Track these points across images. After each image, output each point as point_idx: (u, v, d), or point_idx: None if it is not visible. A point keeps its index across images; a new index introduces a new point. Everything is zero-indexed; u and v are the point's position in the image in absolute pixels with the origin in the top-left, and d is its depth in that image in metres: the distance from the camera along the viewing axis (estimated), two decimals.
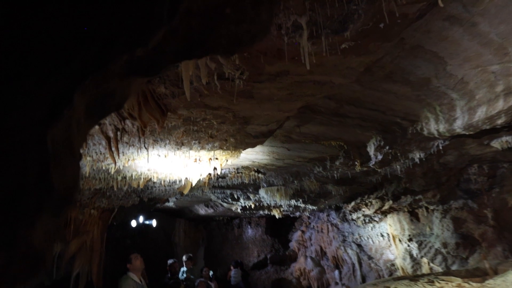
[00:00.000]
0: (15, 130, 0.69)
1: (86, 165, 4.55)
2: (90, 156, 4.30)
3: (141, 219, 12.99)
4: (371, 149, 5.39)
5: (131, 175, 5.58)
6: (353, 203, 9.67)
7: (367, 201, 9.23)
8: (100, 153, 4.24)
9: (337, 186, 8.15)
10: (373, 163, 5.90)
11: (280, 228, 14.85)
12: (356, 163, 6.14)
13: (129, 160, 4.51)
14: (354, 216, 10.28)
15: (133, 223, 12.65)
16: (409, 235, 8.87)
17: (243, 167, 7.07)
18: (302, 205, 10.10)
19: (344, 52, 2.56)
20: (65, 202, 0.84)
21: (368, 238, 10.49)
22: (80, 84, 0.79)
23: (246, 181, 7.75)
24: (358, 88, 3.64)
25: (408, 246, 8.98)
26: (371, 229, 10.29)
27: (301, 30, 2.24)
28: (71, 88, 0.77)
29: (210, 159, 4.99)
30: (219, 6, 0.96)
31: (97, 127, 3.67)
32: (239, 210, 11.41)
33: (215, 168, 5.64)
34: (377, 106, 4.11)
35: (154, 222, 13.74)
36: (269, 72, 2.77)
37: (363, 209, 9.62)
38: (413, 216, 8.96)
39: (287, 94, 3.20)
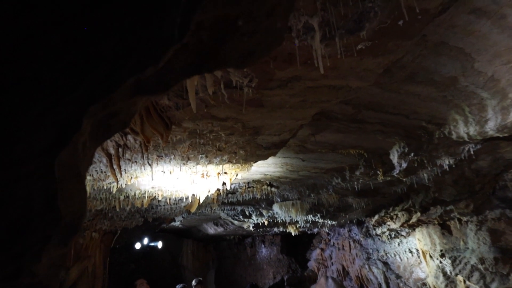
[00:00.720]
0: (21, 161, 0.70)
1: (87, 185, 4.60)
2: (90, 175, 4.35)
3: (145, 241, 13.05)
4: (394, 157, 5.34)
5: (134, 194, 5.62)
6: (376, 217, 9.56)
7: (392, 214, 9.11)
8: (101, 172, 4.29)
9: (358, 198, 8.07)
10: (397, 171, 5.83)
11: (297, 247, 14.72)
12: (378, 172, 6.09)
13: (131, 178, 4.55)
14: (379, 231, 10.14)
15: (137, 246, 12.70)
16: (441, 251, 8.69)
17: (254, 181, 7.07)
18: (321, 221, 10.04)
19: (361, 53, 2.56)
20: (73, 231, 0.85)
21: (395, 255, 10.32)
22: (88, 109, 0.80)
23: (258, 196, 7.74)
24: (378, 91, 3.62)
25: (441, 262, 8.79)
26: (398, 244, 10.13)
27: (313, 31, 2.25)
28: (80, 114, 0.79)
29: (219, 173, 5.00)
30: (231, 18, 0.97)
31: None
32: (251, 228, 11.38)
33: (224, 183, 5.65)
34: (399, 109, 4.09)
35: (159, 244, 13.78)
36: (280, 78, 2.78)
37: (388, 223, 9.49)
38: (445, 229, 8.79)
39: (300, 101, 3.20)
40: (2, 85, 0.67)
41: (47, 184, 0.74)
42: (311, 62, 2.55)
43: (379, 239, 10.63)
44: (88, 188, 4.64)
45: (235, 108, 3.13)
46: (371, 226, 10.28)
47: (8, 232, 0.69)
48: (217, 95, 2.86)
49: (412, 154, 5.15)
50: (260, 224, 10.66)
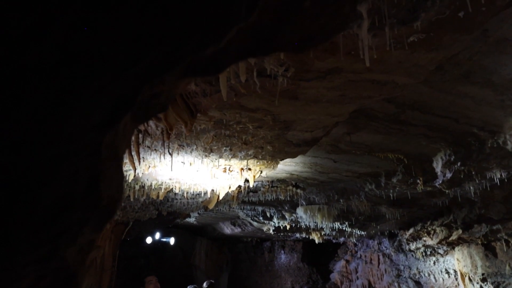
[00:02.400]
0: (71, 137, 0.72)
1: None
2: None
3: (157, 235, 13.27)
4: (438, 165, 5.24)
5: (151, 184, 5.73)
6: (411, 230, 9.41)
7: (429, 229, 8.95)
8: None
9: (392, 208, 7.95)
10: (440, 182, 5.71)
11: (319, 256, 14.65)
12: (418, 181, 5.98)
13: (149, 166, 4.64)
14: (413, 246, 9.98)
15: (148, 240, 12.93)
16: (483, 274, 8.46)
17: (279, 181, 7.07)
18: (348, 229, 9.95)
19: (412, 46, 2.50)
20: (109, 215, 0.87)
21: (429, 274, 10.13)
22: (142, 88, 0.82)
23: (282, 197, 7.73)
24: (426, 90, 3.55)
25: (481, 287, 8.56)
26: (434, 263, 9.94)
27: (361, 19, 2.22)
28: (135, 92, 0.80)
29: (242, 169, 5.02)
30: None
31: None
32: (271, 231, 11.40)
33: (246, 180, 5.68)
34: (448, 112, 3.99)
35: (171, 240, 14.00)
36: (319, 69, 2.76)
37: (424, 239, 9.32)
38: (489, 250, 8.56)
39: (339, 95, 3.17)
40: (65, 57, 0.69)
41: (93, 163, 0.76)
42: (355, 53, 2.51)
43: (412, 255, 10.46)
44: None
45: (267, 99, 3.13)
46: (405, 240, 10.13)
47: (49, 212, 0.71)
48: (249, 84, 2.87)
49: (458, 164, 5.04)
50: (282, 227, 10.66)
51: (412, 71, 2.87)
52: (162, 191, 5.92)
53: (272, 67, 2.68)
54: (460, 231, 8.23)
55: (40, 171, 0.68)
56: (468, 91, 3.54)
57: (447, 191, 6.25)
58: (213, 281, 7.95)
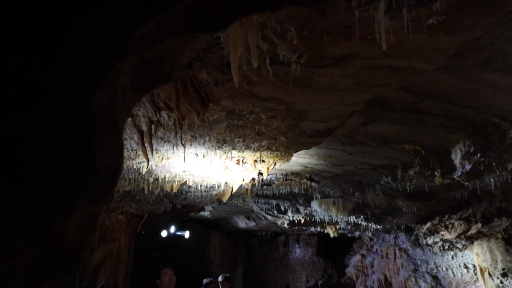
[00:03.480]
0: (60, 87, 0.67)
1: None
2: None
3: (172, 229, 13.39)
4: (456, 157, 5.12)
5: (164, 177, 5.74)
6: (429, 224, 9.28)
7: (447, 223, 8.82)
8: (131, 150, 4.40)
9: (409, 201, 7.83)
10: (459, 174, 5.58)
11: (334, 250, 14.57)
12: (436, 173, 5.87)
13: (162, 158, 4.63)
14: (430, 240, 9.85)
15: (163, 233, 13.07)
16: (503, 269, 8.30)
17: (293, 173, 7.01)
18: (364, 223, 9.86)
19: (431, 29, 2.40)
20: (107, 188, 0.83)
21: (447, 269, 9.98)
22: (135, 35, 0.76)
23: (296, 191, 7.68)
24: (445, 77, 3.44)
25: (502, 283, 8.40)
26: (452, 258, 9.80)
27: (377, 1, 2.14)
28: (128, 35, 0.75)
29: (255, 161, 4.98)
30: None
31: (129, 119, 3.80)
32: (285, 225, 11.37)
33: (260, 173, 5.64)
34: (468, 101, 3.88)
35: (186, 234, 14.10)
36: (333, 55, 2.68)
37: (442, 233, 9.19)
38: (510, 244, 8.39)
39: (354, 83, 3.09)
40: None
41: (85, 121, 0.71)
42: (372, 37, 2.43)
43: (429, 249, 10.33)
44: None
45: (280, 87, 3.07)
46: (422, 234, 10.01)
47: (38, 178, 0.67)
48: (261, 71, 2.81)
49: (478, 155, 4.91)
50: (296, 221, 10.62)
51: (430, 56, 2.77)
52: (176, 183, 5.93)
53: (285, 53, 2.61)
54: (479, 225, 8.10)
55: (24, 130, 0.64)
56: (489, 78, 3.42)
57: (466, 183, 6.11)
58: (228, 275, 7.97)
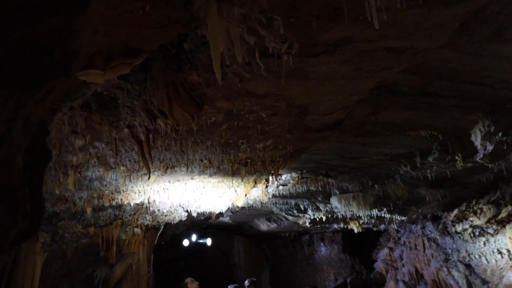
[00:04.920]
0: None
1: (121, 176, 4.68)
2: (123, 165, 4.40)
3: (193, 237, 13.40)
4: (477, 138, 4.89)
5: (174, 185, 5.65)
6: (456, 211, 9.02)
7: (475, 208, 8.54)
8: (134, 161, 4.32)
9: (432, 189, 7.60)
10: (481, 156, 5.33)
11: (361, 245, 14.34)
12: (456, 157, 5.65)
13: (167, 167, 4.54)
14: (459, 228, 9.55)
15: (185, 243, 13.09)
16: None
17: (308, 171, 6.86)
18: (387, 216, 9.66)
19: (428, 2, 2.22)
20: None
21: (480, 256, 9.65)
22: None
23: (313, 188, 7.53)
24: (453, 54, 3.23)
25: None
26: (484, 244, 9.47)
27: None
28: None
29: (264, 161, 4.84)
30: None
31: (126, 130, 3.72)
32: (307, 224, 11.25)
33: (271, 173, 5.50)
34: (481, 78, 3.65)
35: (208, 241, 14.10)
36: (326, 42, 2.52)
37: (471, 219, 8.89)
38: None
39: (353, 69, 2.91)
40: None
41: None
42: (364, 18, 2.25)
43: (459, 237, 10.02)
44: (122, 180, 4.71)
45: (275, 82, 2.93)
46: (450, 222, 9.73)
47: None
48: (252, 67, 2.68)
49: (500, 134, 4.66)
50: (318, 219, 10.48)
51: (432, 32, 2.57)
52: (186, 191, 5.84)
53: (273, 44, 2.47)
54: (509, 207, 7.82)
55: None
56: (501, 51, 3.19)
57: (490, 165, 5.84)
58: (254, 279, 7.91)
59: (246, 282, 7.52)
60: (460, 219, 9.27)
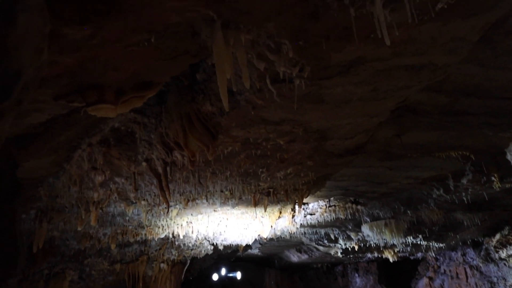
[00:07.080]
0: None
1: (143, 211, 4.66)
2: (144, 199, 4.38)
3: (223, 271, 13.21)
4: None
5: (197, 218, 5.59)
6: (498, 236, 8.61)
7: None
8: (155, 195, 4.30)
9: (469, 213, 7.26)
10: None
11: (398, 275, 13.76)
12: (493, 178, 5.40)
13: (188, 200, 4.49)
14: (503, 254, 9.02)
15: (215, 277, 12.91)
16: None
17: (335, 199, 6.67)
18: (424, 243, 9.29)
19: (443, 15, 2.12)
20: None
21: None
22: None
23: (343, 216, 7.32)
24: (477, 70, 3.09)
25: None
26: None
27: None
28: None
29: (287, 190, 4.72)
30: None
31: (144, 164, 3.72)
32: (339, 254, 10.94)
33: (295, 202, 5.36)
34: (510, 92, 3.47)
35: (238, 274, 13.87)
36: (339, 63, 2.45)
37: None
38: None
39: (370, 90, 2.82)
40: None
41: None
42: (375, 36, 2.18)
43: (504, 264, 9.44)
44: (144, 215, 4.69)
45: (289, 107, 2.86)
46: (492, 248, 9.24)
47: None
48: (264, 93, 2.63)
49: None
50: (350, 249, 10.16)
51: (451, 46, 2.46)
52: (209, 223, 5.75)
53: (284, 69, 2.41)
54: None
55: None
56: None
57: None
58: None
59: None
60: (504, 244, 8.79)
